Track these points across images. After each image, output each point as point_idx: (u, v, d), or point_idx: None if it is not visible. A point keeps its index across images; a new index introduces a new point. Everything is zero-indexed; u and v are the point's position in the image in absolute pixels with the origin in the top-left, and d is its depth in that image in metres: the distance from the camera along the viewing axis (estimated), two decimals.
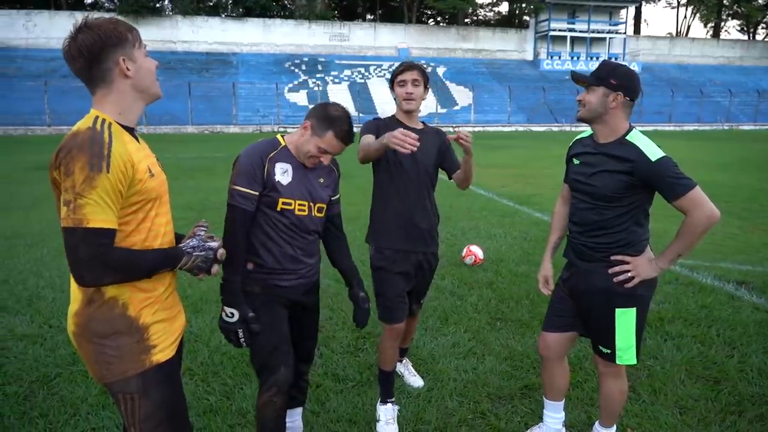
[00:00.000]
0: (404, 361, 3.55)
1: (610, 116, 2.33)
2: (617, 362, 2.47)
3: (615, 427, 2.72)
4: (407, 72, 2.89)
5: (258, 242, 2.36)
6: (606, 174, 2.33)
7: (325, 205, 2.48)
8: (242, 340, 2.27)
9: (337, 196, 2.61)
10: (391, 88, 2.98)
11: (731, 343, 3.93)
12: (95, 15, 1.74)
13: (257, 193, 2.27)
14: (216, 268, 1.85)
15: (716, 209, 2.21)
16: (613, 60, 2.49)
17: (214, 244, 1.84)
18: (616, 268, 2.39)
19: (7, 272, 5.57)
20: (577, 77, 2.41)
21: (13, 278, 5.38)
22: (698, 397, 3.22)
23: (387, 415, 3.00)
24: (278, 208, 2.32)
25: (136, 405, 1.71)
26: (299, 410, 2.79)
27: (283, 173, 2.32)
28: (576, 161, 2.52)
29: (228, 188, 2.30)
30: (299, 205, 2.36)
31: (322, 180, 2.47)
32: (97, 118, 1.64)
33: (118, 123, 1.68)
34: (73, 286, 1.69)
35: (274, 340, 2.34)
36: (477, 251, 5.89)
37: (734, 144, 24.35)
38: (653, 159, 2.22)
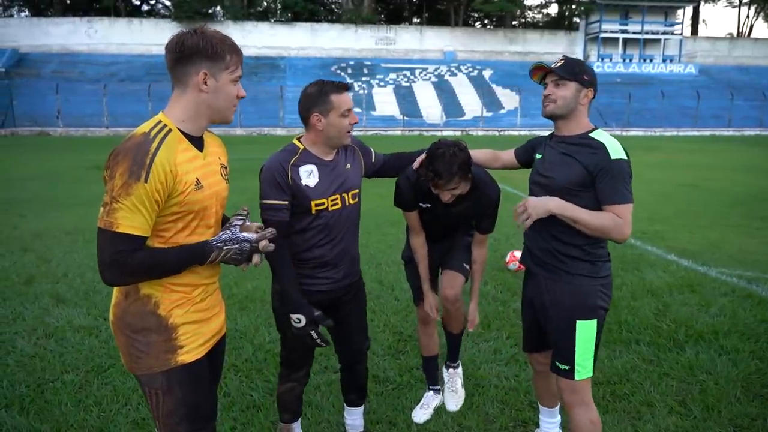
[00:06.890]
0: (450, 371, 3.21)
1: (578, 112, 2.29)
2: (576, 378, 2.33)
3: None
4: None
5: (297, 249, 2.36)
6: (565, 166, 2.26)
7: (357, 190, 2.47)
8: (318, 339, 2.29)
9: (371, 156, 2.63)
10: None
11: None
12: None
13: (287, 202, 2.26)
14: (257, 258, 1.80)
15: (629, 232, 2.18)
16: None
17: (249, 236, 1.78)
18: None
19: (67, 266, 5.87)
20: (544, 67, 2.31)
21: (72, 272, 5.67)
22: (755, 416, 3.06)
23: (424, 401, 3.13)
24: (312, 211, 2.30)
25: (160, 400, 1.77)
26: (360, 410, 2.84)
27: (308, 175, 2.31)
28: (538, 155, 2.46)
29: (259, 204, 2.30)
30: (332, 201, 2.35)
31: (349, 166, 2.45)
32: (158, 123, 1.68)
33: (179, 129, 1.71)
34: None
35: (302, 348, 2.50)
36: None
37: None
38: (612, 157, 2.18)
